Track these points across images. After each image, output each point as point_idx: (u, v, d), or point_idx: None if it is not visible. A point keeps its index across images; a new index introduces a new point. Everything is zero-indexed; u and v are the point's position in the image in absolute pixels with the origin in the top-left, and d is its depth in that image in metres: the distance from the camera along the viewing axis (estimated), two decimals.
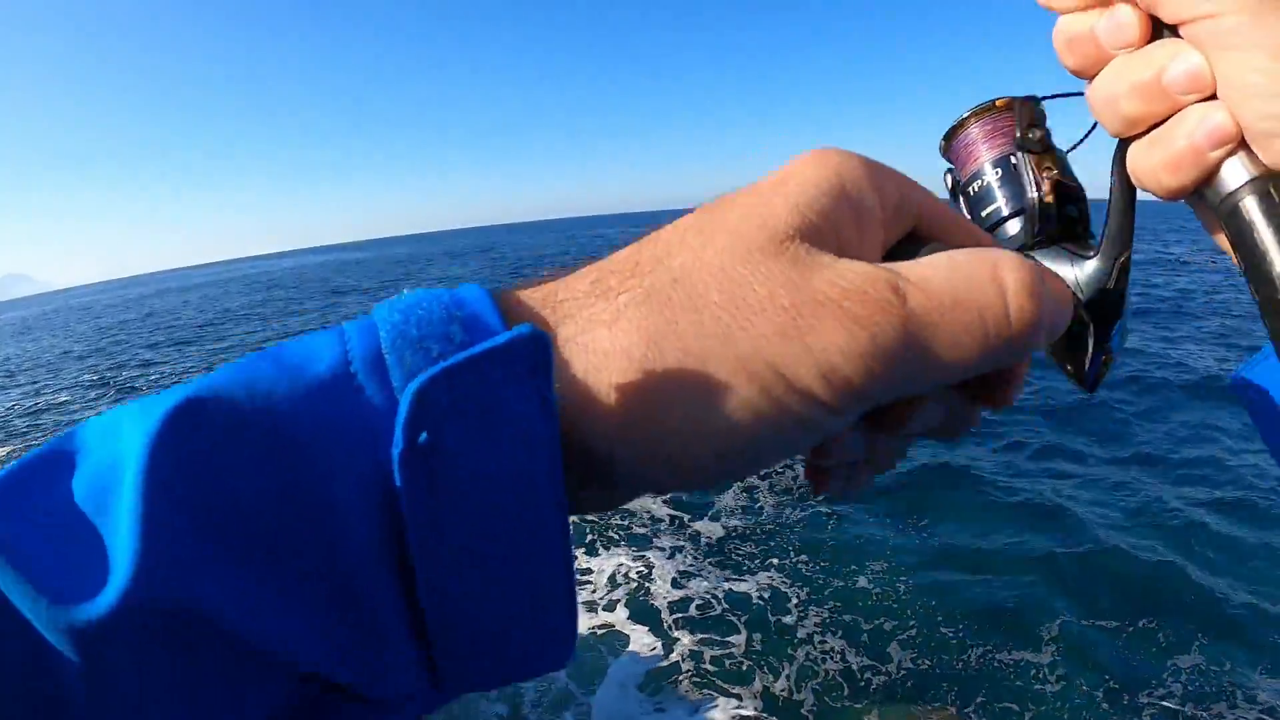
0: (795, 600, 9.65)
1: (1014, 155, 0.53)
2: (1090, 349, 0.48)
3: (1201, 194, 0.39)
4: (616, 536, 9.68)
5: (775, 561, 10.66)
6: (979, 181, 0.55)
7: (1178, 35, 0.38)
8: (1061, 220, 0.52)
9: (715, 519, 11.06)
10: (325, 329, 0.28)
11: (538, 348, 0.25)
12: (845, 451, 0.33)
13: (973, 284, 0.29)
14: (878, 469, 0.36)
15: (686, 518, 10.15)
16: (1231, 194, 0.37)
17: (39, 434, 26.09)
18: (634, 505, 10.36)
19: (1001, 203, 0.53)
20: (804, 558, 10.90)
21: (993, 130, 0.55)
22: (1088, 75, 0.42)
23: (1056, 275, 0.37)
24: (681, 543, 10.21)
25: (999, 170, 0.54)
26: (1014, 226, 0.52)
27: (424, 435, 0.25)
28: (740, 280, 0.28)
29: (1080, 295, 0.48)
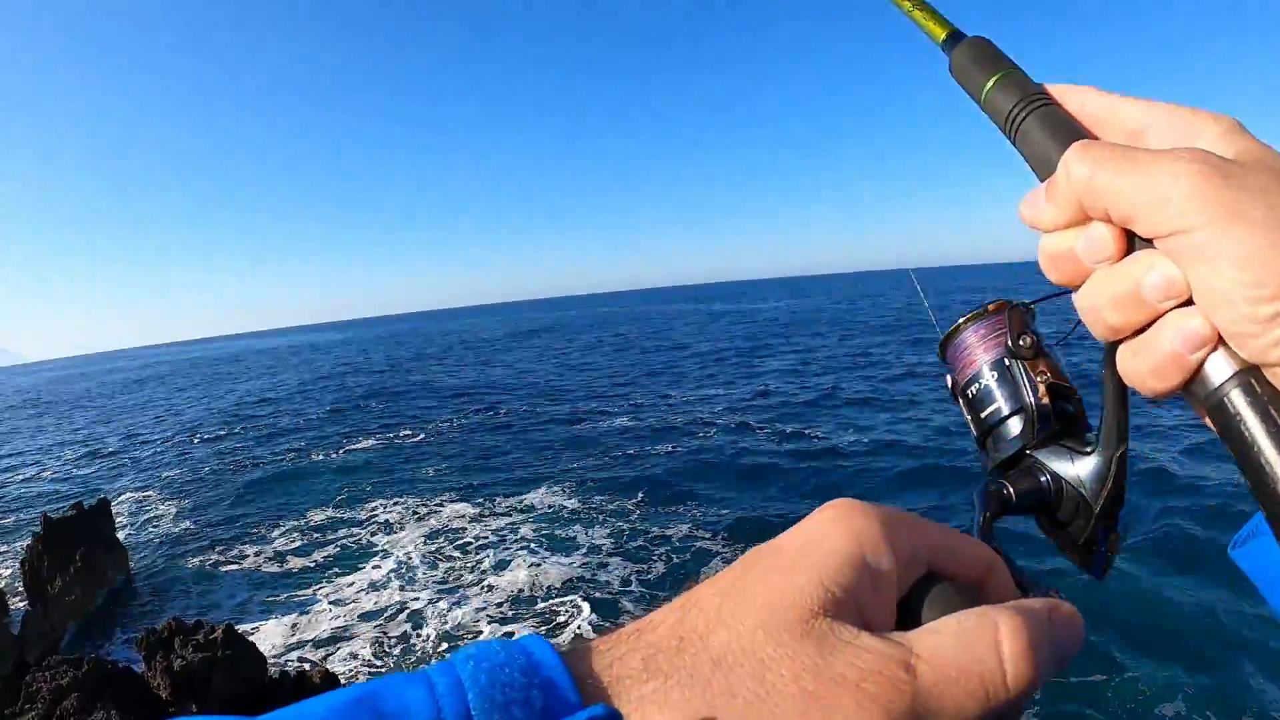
0: None
1: (1008, 359, 0.57)
2: (1097, 541, 0.51)
3: (1189, 390, 0.42)
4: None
5: None
6: (977, 384, 0.58)
7: (1152, 245, 0.41)
8: (1059, 418, 0.55)
9: None
10: (415, 677, 0.33)
11: None
12: None
13: (975, 652, 0.34)
14: None
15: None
16: (1216, 389, 0.40)
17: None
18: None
19: (1001, 403, 0.56)
20: None
21: (987, 334, 0.59)
22: (1072, 286, 0.46)
23: (1070, 613, 0.39)
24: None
25: (995, 373, 0.57)
26: (1014, 425, 0.56)
27: None
28: (770, 663, 0.33)
29: (1084, 492, 0.51)
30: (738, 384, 41.12)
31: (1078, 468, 0.53)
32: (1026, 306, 0.60)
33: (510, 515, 20.80)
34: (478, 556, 18.04)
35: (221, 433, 39.88)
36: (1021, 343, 0.57)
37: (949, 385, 0.63)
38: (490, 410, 39.36)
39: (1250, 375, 0.40)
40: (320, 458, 30.39)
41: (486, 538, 19.27)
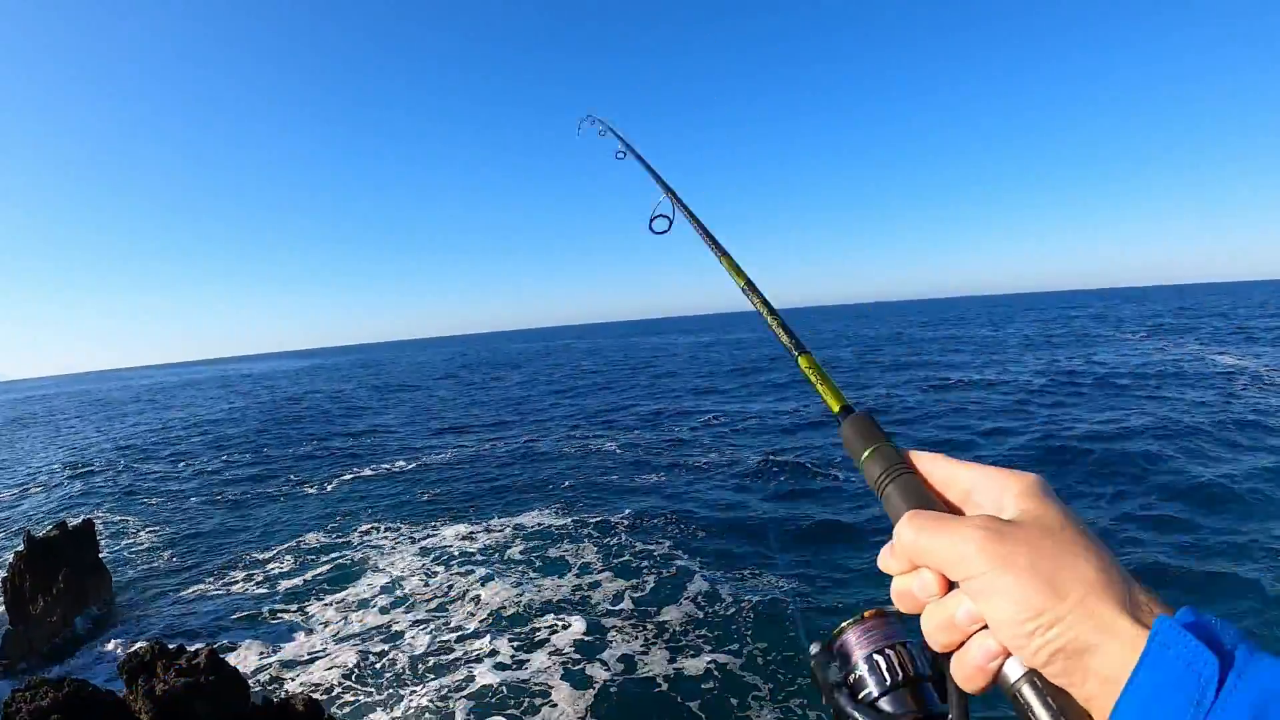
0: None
1: (878, 654, 0.69)
2: None
3: (999, 684, 0.58)
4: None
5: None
6: (856, 672, 0.70)
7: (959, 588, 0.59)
8: (914, 689, 0.68)
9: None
10: None
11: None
12: None
13: None
14: None
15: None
16: (1012, 684, 0.56)
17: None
18: None
19: (873, 686, 0.68)
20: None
21: (862, 634, 0.71)
22: (915, 614, 0.64)
23: None
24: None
25: (868, 664, 0.69)
26: (885, 703, 0.67)
27: None
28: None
29: None
30: (729, 405, 41.16)
31: None
32: (899, 616, 0.72)
33: (501, 535, 20.74)
34: (466, 577, 17.96)
35: (207, 457, 39.55)
36: (886, 656, 0.70)
37: (822, 680, 0.73)
38: (482, 437, 39.20)
39: (1034, 675, 0.55)
40: (310, 485, 30.21)
41: (476, 558, 19.19)
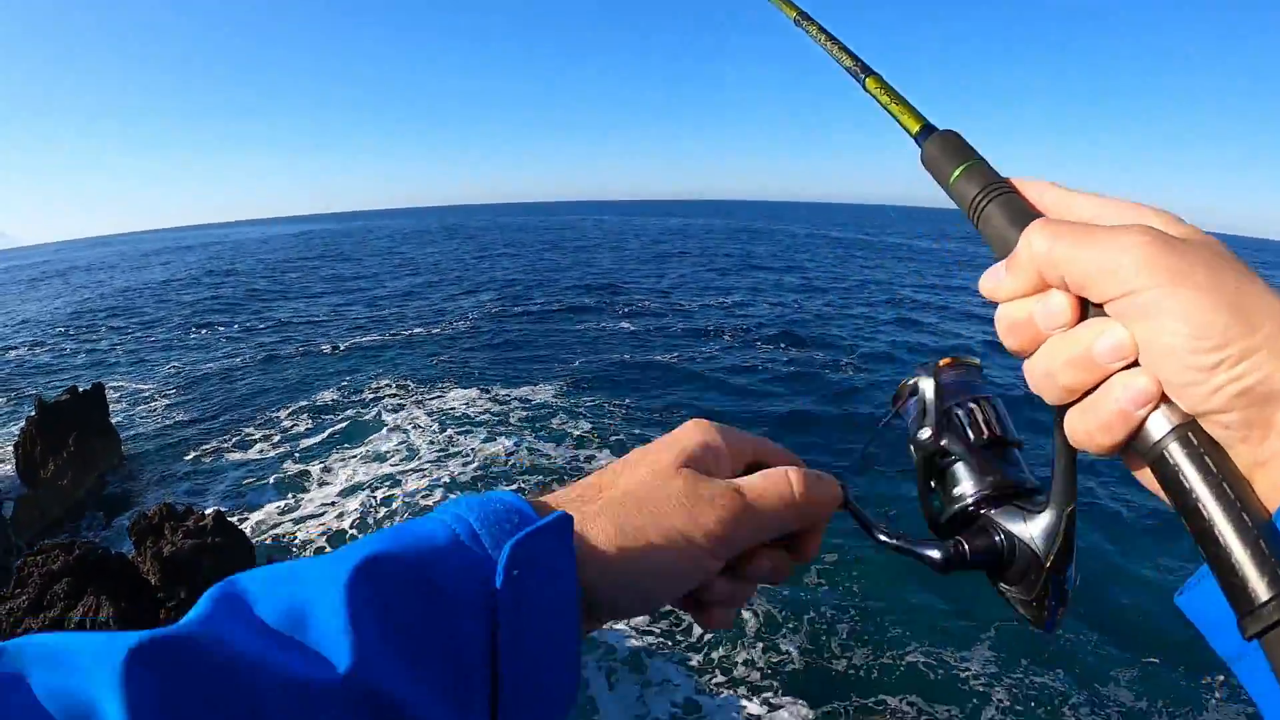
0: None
1: (958, 408, 0.62)
2: (1048, 596, 0.55)
3: (1131, 446, 0.46)
4: None
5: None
6: (923, 433, 0.63)
7: (1104, 313, 0.46)
8: (1013, 480, 0.59)
9: None
10: (428, 517, 0.52)
11: (567, 524, 0.51)
12: (716, 590, 0.60)
13: (775, 481, 0.60)
14: (737, 603, 0.62)
15: None
16: (1157, 443, 0.44)
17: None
18: None
19: (961, 465, 0.61)
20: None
21: (941, 391, 0.64)
22: (1026, 354, 0.52)
23: (829, 476, 0.62)
24: None
25: (944, 420, 0.62)
26: (969, 484, 0.60)
27: (515, 572, 0.47)
28: (660, 490, 0.57)
29: (1035, 549, 0.55)
30: (736, 294, 40.75)
31: (1029, 526, 0.56)
32: (975, 365, 0.64)
33: (505, 403, 21.11)
34: (467, 438, 18.45)
35: (219, 319, 39.80)
36: (967, 410, 0.62)
37: (912, 436, 0.65)
38: (492, 308, 39.17)
39: (1188, 428, 0.44)
40: (324, 347, 30.45)
41: (478, 421, 19.64)
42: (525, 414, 20.15)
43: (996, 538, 0.58)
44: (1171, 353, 0.43)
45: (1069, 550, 0.54)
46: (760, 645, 10.63)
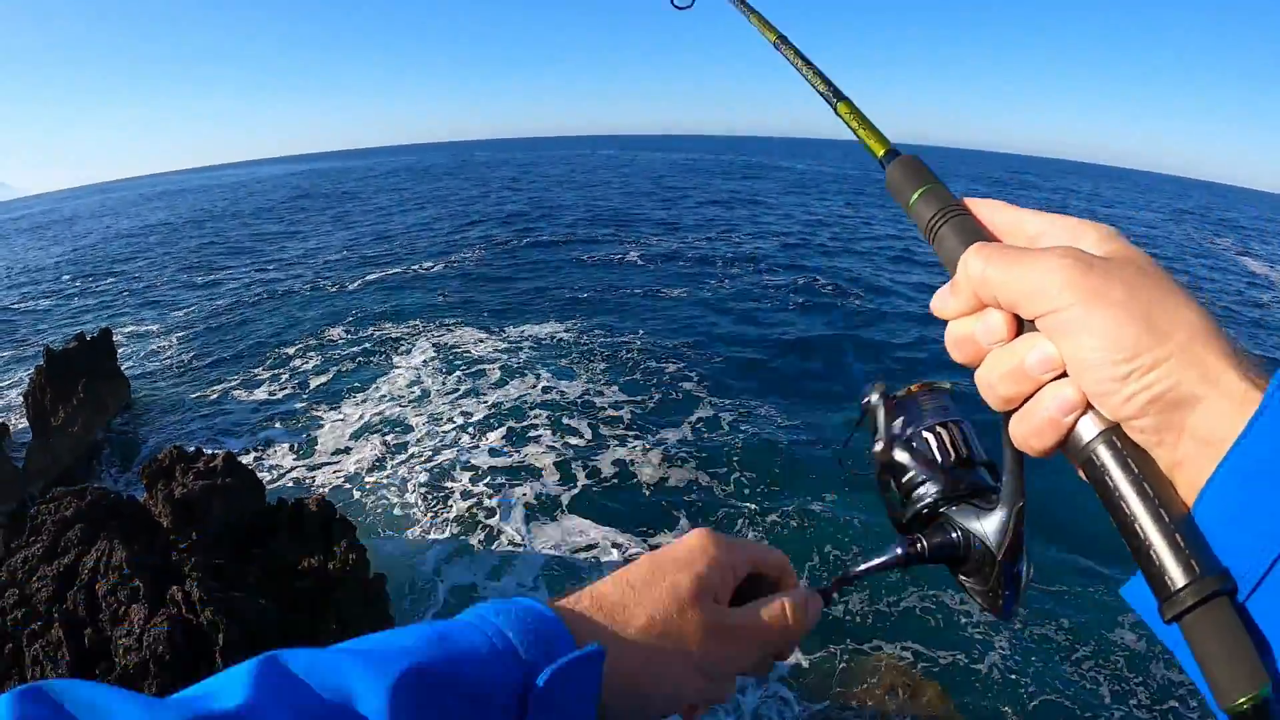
0: None
1: (927, 432, 0.66)
2: (1003, 585, 0.60)
3: (1066, 448, 0.51)
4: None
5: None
6: (897, 454, 0.67)
7: (1035, 329, 0.51)
8: (969, 483, 0.64)
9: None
10: (468, 624, 0.57)
11: (600, 658, 0.55)
12: (707, 698, 0.66)
13: (777, 617, 0.67)
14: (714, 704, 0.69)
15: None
16: (1085, 446, 0.49)
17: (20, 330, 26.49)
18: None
19: (917, 470, 0.66)
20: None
21: (909, 410, 0.68)
22: (972, 366, 0.56)
23: (815, 597, 0.70)
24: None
25: (916, 442, 0.67)
26: (929, 488, 0.65)
27: (554, 693, 0.52)
28: (682, 625, 0.63)
29: (988, 544, 0.60)
30: (741, 231, 39.91)
31: (983, 523, 0.60)
32: (946, 389, 0.68)
33: (519, 343, 20.93)
34: (477, 378, 18.36)
35: (224, 261, 39.47)
36: (934, 432, 0.66)
37: (878, 447, 0.68)
38: (502, 242, 38.63)
39: (1112, 433, 0.48)
40: (330, 285, 30.21)
41: (488, 360, 19.54)
42: (535, 352, 19.98)
43: (953, 534, 0.62)
44: (1090, 365, 0.47)
45: (1019, 543, 0.59)
46: None
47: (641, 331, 21.34)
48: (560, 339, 20.97)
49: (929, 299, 0.59)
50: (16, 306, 33.41)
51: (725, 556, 0.68)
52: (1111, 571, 10.87)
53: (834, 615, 9.95)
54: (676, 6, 1.38)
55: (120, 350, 20.60)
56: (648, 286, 26.43)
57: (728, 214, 45.67)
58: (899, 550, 0.65)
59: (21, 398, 16.97)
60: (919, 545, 0.64)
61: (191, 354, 22.87)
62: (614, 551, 11.53)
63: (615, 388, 17.34)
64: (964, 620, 9.85)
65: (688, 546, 0.68)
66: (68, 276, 40.14)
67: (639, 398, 16.86)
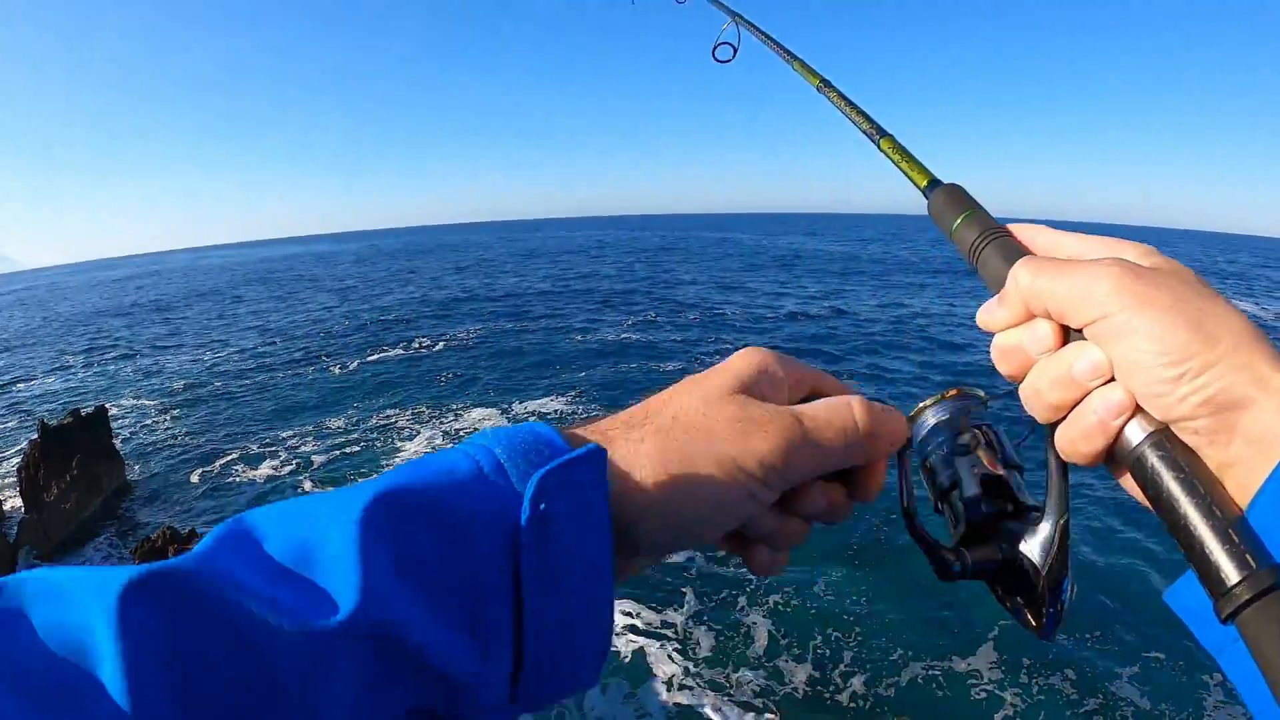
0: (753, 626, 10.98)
1: (962, 435, 0.63)
2: (1046, 604, 0.57)
3: (1112, 455, 0.50)
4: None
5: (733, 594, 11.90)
6: (931, 458, 0.64)
7: (1083, 338, 0.52)
8: (998, 502, 0.61)
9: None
10: (453, 448, 0.49)
11: (600, 457, 0.47)
12: (767, 525, 0.56)
13: (836, 409, 0.56)
14: (789, 543, 0.58)
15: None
16: (1134, 449, 0.49)
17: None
18: None
19: (962, 485, 0.62)
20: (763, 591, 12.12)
21: (941, 414, 0.65)
22: (1018, 379, 0.56)
23: (896, 410, 0.60)
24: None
25: (950, 447, 0.63)
26: (966, 489, 0.61)
27: (542, 505, 0.44)
28: (711, 414, 0.53)
29: (1032, 560, 0.56)
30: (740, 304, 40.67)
31: (1027, 538, 0.58)
32: (980, 398, 0.65)
33: (518, 416, 20.88)
34: None
35: (224, 340, 39.65)
36: (970, 435, 0.63)
37: (917, 460, 0.66)
38: (504, 321, 39.13)
39: (1162, 434, 0.48)
40: (333, 367, 30.30)
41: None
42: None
43: (997, 550, 0.60)
44: (1140, 368, 0.47)
45: (1064, 560, 0.56)
46: (763, 657, 10.49)
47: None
48: (563, 413, 20.99)
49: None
50: (13, 380, 33.25)
51: (778, 365, 0.59)
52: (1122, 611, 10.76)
53: (837, 694, 9.67)
54: (718, 60, 1.38)
55: (117, 426, 20.44)
56: (653, 366, 26.69)
57: (735, 298, 46.53)
58: (944, 561, 0.60)
59: (15, 472, 16.71)
60: (964, 559, 0.59)
61: (188, 433, 22.68)
62: (618, 618, 11.25)
63: None
64: (970, 679, 9.65)
65: (733, 356, 0.60)
66: (67, 349, 40.15)
67: None
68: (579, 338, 32.51)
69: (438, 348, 32.26)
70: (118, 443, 19.69)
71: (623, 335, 32.73)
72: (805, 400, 0.60)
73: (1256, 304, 44.59)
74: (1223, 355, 0.45)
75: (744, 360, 0.59)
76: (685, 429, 0.53)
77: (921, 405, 0.66)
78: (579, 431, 0.54)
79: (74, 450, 16.79)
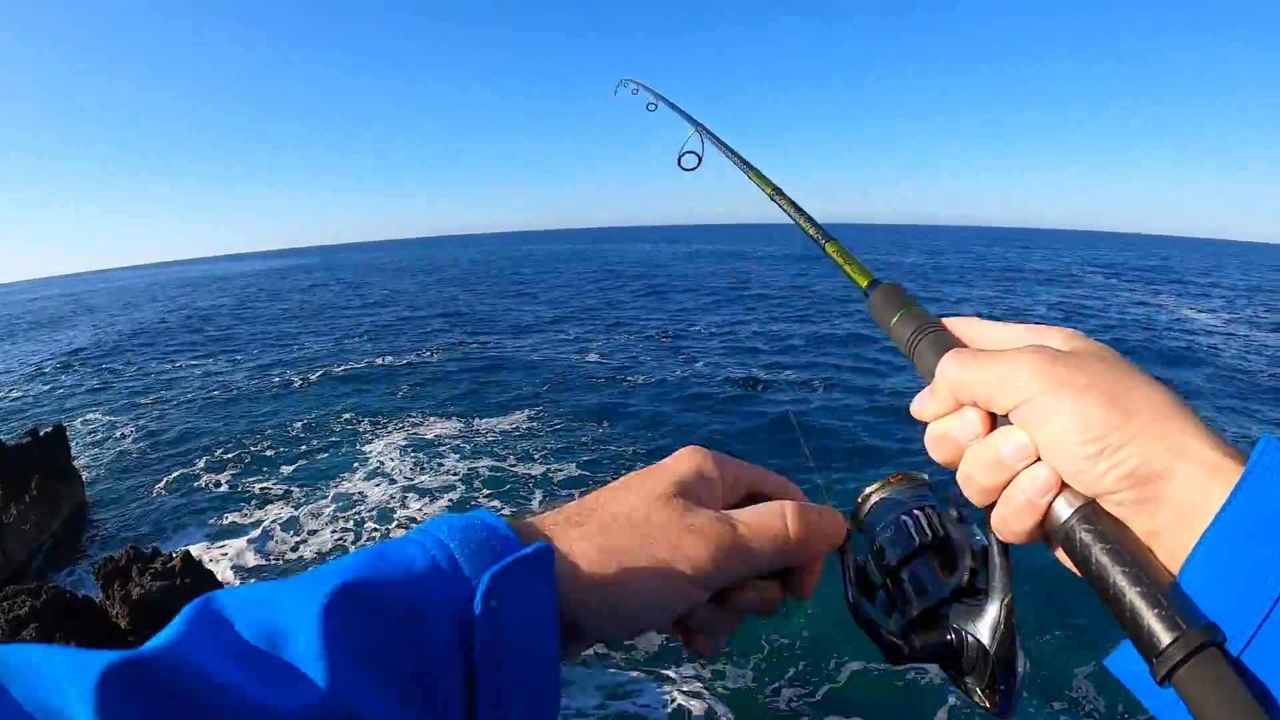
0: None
1: (905, 516, 0.64)
2: (999, 681, 0.57)
3: (1045, 531, 0.53)
4: None
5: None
6: (878, 540, 0.65)
7: (1009, 423, 0.54)
8: (946, 556, 0.62)
9: None
10: (407, 539, 0.51)
11: (548, 555, 0.51)
12: (702, 618, 0.60)
13: (769, 517, 0.59)
14: (723, 632, 0.62)
15: None
16: (1063, 523, 0.51)
17: None
18: None
19: (899, 552, 0.63)
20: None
21: (887, 498, 0.67)
22: (953, 465, 0.59)
23: (831, 511, 0.63)
24: None
25: (895, 527, 0.64)
26: (908, 570, 0.62)
27: (493, 601, 0.47)
28: (651, 518, 0.56)
29: (981, 640, 0.57)
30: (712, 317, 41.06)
31: (974, 619, 0.59)
32: (924, 482, 0.69)
33: (477, 433, 21.25)
34: (442, 468, 18.58)
35: (184, 355, 39.26)
36: (914, 521, 0.65)
37: (870, 549, 0.68)
38: (466, 340, 39.13)
39: (1089, 508, 0.50)
40: (294, 380, 30.23)
41: (452, 450, 19.77)
42: (497, 443, 20.28)
43: (947, 634, 0.60)
44: (1062, 447, 0.50)
45: (1012, 638, 0.57)
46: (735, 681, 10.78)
47: (606, 421, 21.82)
48: (523, 430, 21.33)
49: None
50: None
51: (714, 468, 0.62)
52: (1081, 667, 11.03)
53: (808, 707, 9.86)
54: (684, 169, 1.40)
55: (76, 445, 20.32)
56: (613, 382, 27.11)
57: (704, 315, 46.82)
58: (893, 646, 0.61)
59: None
60: (913, 644, 0.61)
61: (149, 450, 22.57)
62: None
63: (581, 471, 17.73)
64: None
65: (672, 458, 0.64)
66: (22, 370, 39.36)
67: (603, 476, 17.11)
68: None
69: (404, 361, 32.35)
70: (78, 461, 19.61)
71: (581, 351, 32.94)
72: (746, 499, 0.63)
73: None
74: (1140, 429, 0.47)
75: (683, 462, 0.62)
76: (624, 530, 0.56)
77: (867, 491, 0.68)
78: (526, 524, 0.57)
79: (33, 469, 16.74)
